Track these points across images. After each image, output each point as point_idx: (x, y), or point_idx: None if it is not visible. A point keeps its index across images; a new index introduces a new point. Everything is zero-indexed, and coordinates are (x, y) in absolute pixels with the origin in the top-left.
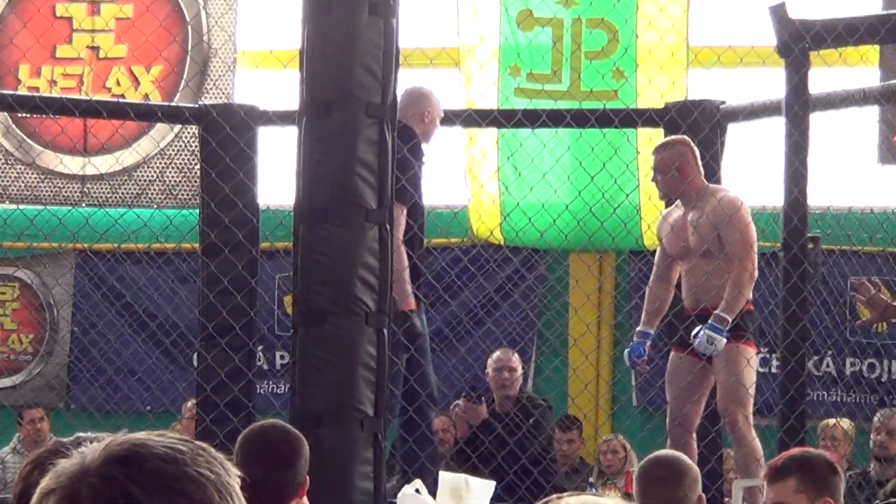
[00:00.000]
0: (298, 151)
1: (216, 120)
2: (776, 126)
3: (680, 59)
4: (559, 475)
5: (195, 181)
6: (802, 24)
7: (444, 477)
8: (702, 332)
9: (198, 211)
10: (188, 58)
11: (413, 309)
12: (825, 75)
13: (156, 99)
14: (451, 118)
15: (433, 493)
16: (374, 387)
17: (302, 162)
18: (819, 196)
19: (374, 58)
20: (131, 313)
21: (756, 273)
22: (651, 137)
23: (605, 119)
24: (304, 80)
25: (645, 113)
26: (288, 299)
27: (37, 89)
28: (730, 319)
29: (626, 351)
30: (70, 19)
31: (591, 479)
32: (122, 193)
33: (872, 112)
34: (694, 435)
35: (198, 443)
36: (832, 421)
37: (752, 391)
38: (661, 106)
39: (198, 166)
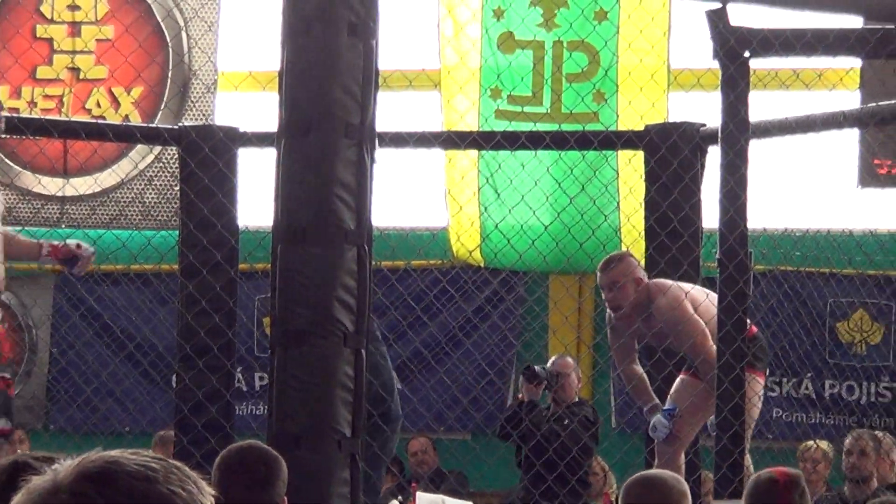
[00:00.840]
0: (277, 172)
1: (195, 141)
2: (759, 148)
3: (660, 81)
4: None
5: (174, 202)
6: (747, 32)
7: (422, 497)
8: (655, 419)
9: (177, 232)
10: (168, 79)
11: None
12: (804, 98)
13: (136, 120)
14: (430, 139)
15: None
16: (352, 407)
17: (280, 183)
18: (798, 219)
19: (354, 79)
20: (110, 334)
21: (714, 355)
22: (630, 159)
23: (584, 141)
24: (283, 101)
25: (625, 135)
26: (267, 320)
27: (17, 110)
28: (677, 408)
29: (651, 425)
30: (50, 40)
31: None
32: (101, 214)
33: (853, 135)
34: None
35: (172, 461)
36: (811, 443)
37: (753, 419)
38: (642, 128)
39: (177, 187)
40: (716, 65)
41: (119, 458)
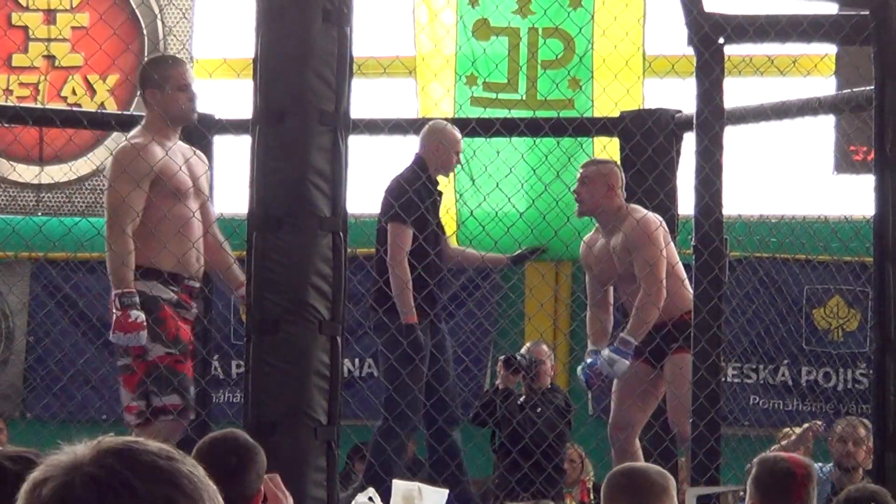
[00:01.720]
0: (252, 159)
1: None
2: (734, 134)
3: (635, 67)
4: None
5: None
6: (721, 19)
7: (398, 485)
8: (605, 353)
9: None
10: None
11: (414, 322)
12: (779, 84)
13: (112, 108)
14: (404, 127)
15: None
16: (328, 395)
17: (255, 170)
18: (774, 205)
19: (328, 66)
20: (86, 322)
21: (664, 293)
22: (605, 146)
23: (559, 128)
24: (258, 88)
25: (599, 121)
26: (244, 308)
27: None
28: (633, 341)
29: (580, 369)
30: (25, 28)
31: None
32: (77, 202)
33: (828, 121)
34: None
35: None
36: (788, 430)
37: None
38: (617, 115)
39: None
40: (690, 51)
41: (139, 439)
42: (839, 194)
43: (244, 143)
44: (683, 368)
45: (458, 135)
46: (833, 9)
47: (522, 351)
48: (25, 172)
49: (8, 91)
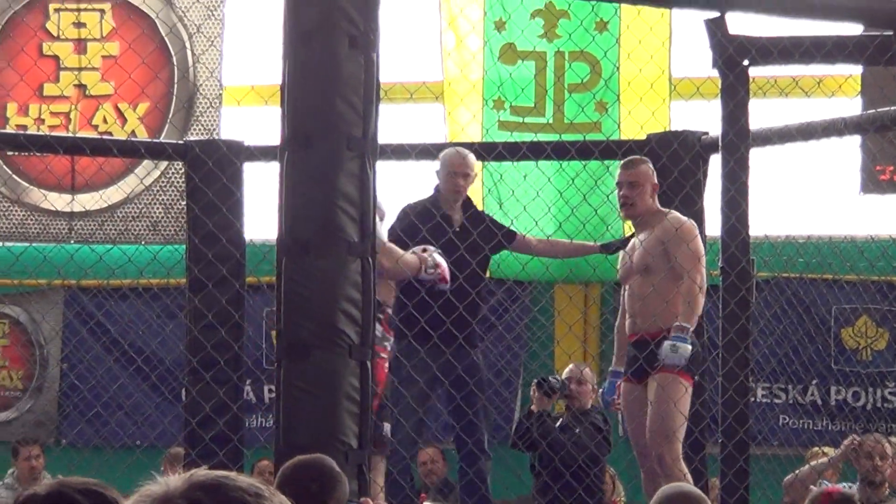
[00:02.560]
0: (280, 185)
1: (200, 156)
2: (760, 155)
3: (661, 90)
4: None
5: (181, 217)
6: (746, 41)
7: None
8: (666, 344)
9: (183, 246)
10: (173, 94)
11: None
12: (804, 105)
13: (142, 135)
14: (431, 151)
15: None
16: (358, 419)
17: (284, 195)
18: (801, 225)
19: (355, 92)
20: (118, 348)
21: (705, 288)
22: None
23: (585, 151)
24: (286, 114)
25: (626, 144)
26: (275, 333)
27: (25, 127)
28: (689, 327)
29: (601, 392)
30: (56, 57)
31: None
32: (108, 230)
33: (854, 141)
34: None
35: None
36: (817, 449)
37: (682, 424)
38: (643, 137)
39: (183, 203)
40: (715, 73)
41: (229, 474)
42: (865, 214)
43: (273, 169)
44: (666, 388)
45: (462, 157)
46: (857, 29)
47: (563, 375)
48: (57, 201)
49: (40, 120)
